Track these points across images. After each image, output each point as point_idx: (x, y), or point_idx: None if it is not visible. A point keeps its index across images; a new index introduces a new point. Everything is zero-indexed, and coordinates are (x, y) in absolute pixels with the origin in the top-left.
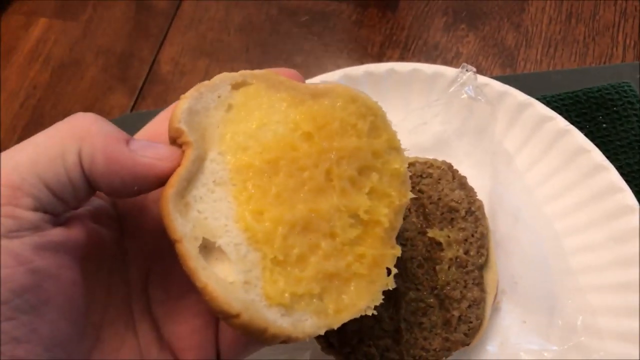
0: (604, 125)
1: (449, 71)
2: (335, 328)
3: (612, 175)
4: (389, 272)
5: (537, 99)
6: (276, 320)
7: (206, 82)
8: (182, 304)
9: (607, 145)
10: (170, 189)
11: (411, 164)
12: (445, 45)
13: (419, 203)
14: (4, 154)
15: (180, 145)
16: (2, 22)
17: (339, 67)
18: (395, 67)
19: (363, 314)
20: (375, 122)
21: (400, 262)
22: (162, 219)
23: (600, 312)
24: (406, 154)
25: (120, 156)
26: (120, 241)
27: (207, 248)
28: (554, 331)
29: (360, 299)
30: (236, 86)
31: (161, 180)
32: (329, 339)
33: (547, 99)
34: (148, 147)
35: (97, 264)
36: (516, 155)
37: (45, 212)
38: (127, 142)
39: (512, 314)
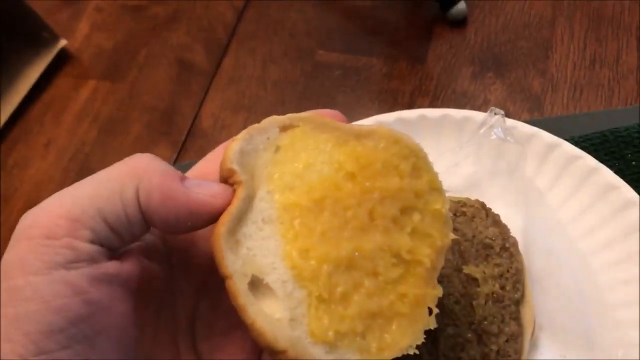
0: (633, 162)
1: (478, 115)
2: None
3: None
4: (430, 312)
5: (565, 139)
6: (321, 358)
7: (256, 125)
8: (226, 341)
9: (637, 182)
10: (222, 227)
11: None
12: (473, 93)
13: (454, 241)
14: (65, 189)
15: (231, 184)
16: (54, 84)
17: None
18: (426, 114)
19: (405, 353)
20: (417, 163)
21: (437, 299)
22: (214, 255)
23: None
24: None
25: (176, 193)
26: (170, 277)
27: (255, 285)
28: None
29: (402, 338)
30: (284, 128)
31: (214, 217)
32: None
33: (575, 139)
34: (202, 185)
35: (147, 298)
36: (547, 194)
37: (101, 245)
38: (182, 180)
39: (550, 349)
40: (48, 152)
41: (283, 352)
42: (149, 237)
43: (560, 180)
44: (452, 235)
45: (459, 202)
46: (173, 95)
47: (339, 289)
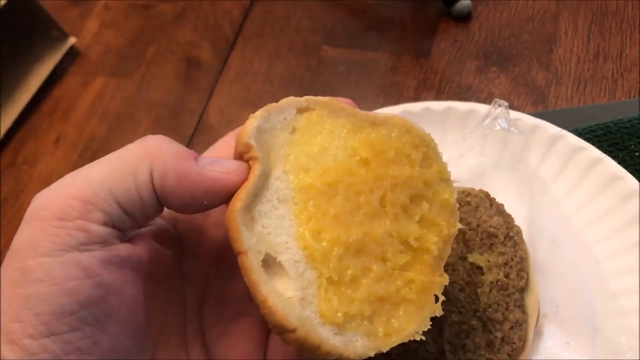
0: (637, 153)
1: (482, 107)
2: (385, 351)
3: None
4: (437, 299)
5: (569, 131)
6: (329, 338)
7: (274, 104)
8: (233, 328)
9: None
10: (239, 202)
11: None
12: (477, 87)
13: (459, 230)
14: (77, 170)
15: (246, 160)
16: (63, 82)
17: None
18: (431, 106)
19: (412, 338)
20: (427, 153)
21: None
22: (228, 230)
23: None
24: None
25: (191, 172)
26: (180, 262)
27: (268, 263)
28: (598, 351)
29: (409, 323)
30: (301, 110)
31: (229, 194)
32: None
33: (579, 131)
34: (216, 162)
35: (157, 283)
36: (551, 185)
37: (114, 227)
38: (196, 159)
39: (555, 336)
40: (57, 149)
41: (293, 330)
42: (159, 222)
43: (565, 171)
44: (459, 225)
45: (463, 191)
46: (180, 91)
47: (349, 272)
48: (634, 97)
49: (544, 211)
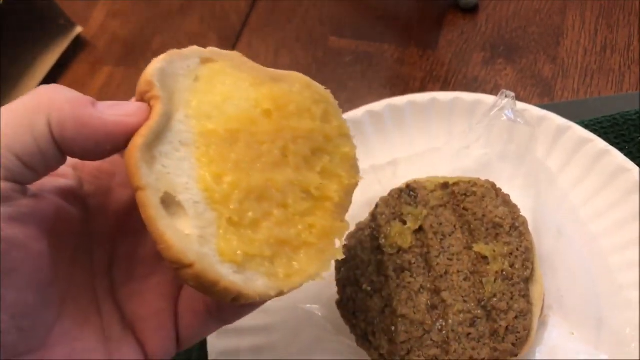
0: None
1: (489, 99)
2: (286, 292)
3: None
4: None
5: (576, 123)
6: (228, 275)
7: (177, 50)
8: (144, 287)
9: None
10: (140, 138)
11: (455, 184)
12: (484, 78)
13: (464, 220)
14: None
15: (148, 100)
16: (70, 70)
17: None
18: (437, 97)
19: (313, 280)
20: (327, 109)
21: (447, 276)
22: (127, 167)
23: None
24: (450, 174)
25: (90, 119)
26: (86, 222)
27: (167, 203)
28: (602, 342)
29: (310, 265)
30: (204, 61)
31: (132, 137)
32: (379, 351)
33: (586, 122)
34: (115, 106)
35: (63, 240)
36: (558, 176)
37: (15, 181)
38: (94, 104)
39: (559, 327)
40: None
41: (190, 265)
42: (64, 181)
43: (571, 163)
44: (360, 177)
45: (469, 182)
46: None
47: (249, 215)
48: None
49: (550, 202)
